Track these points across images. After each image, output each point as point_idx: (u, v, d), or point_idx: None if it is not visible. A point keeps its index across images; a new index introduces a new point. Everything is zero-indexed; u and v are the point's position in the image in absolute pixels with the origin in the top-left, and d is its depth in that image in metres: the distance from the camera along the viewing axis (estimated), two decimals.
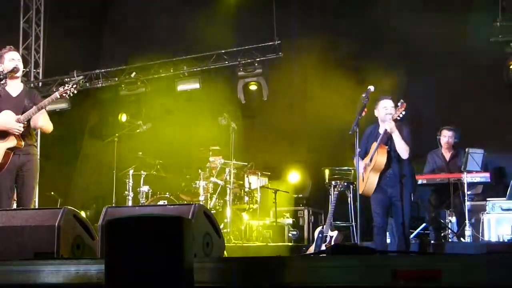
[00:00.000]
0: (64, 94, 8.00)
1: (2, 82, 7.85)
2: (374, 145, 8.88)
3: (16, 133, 7.83)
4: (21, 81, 8.41)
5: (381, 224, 8.91)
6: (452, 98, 11.94)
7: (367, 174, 8.89)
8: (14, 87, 8.14)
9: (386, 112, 8.88)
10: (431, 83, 12.10)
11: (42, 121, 8.04)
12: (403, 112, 8.65)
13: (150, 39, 15.17)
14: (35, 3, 16.41)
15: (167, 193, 12.38)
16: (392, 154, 8.80)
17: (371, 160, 8.88)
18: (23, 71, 8.39)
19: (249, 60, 14.26)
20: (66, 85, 8.05)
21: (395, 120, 8.72)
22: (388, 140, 8.80)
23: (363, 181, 8.98)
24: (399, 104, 8.70)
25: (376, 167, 8.80)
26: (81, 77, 8.30)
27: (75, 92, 8.06)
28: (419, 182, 10.61)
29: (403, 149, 8.73)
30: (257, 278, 4.76)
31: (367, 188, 8.89)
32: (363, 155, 9.10)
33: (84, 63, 15.83)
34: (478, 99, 11.94)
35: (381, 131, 8.90)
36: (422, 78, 12.12)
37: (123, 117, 15.16)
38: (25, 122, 7.90)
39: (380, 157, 8.77)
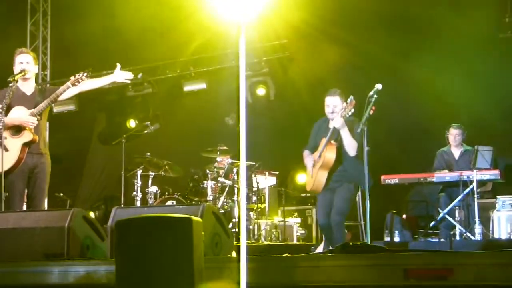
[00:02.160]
0: (76, 83, 8.04)
1: (10, 84, 7.87)
2: (323, 140, 8.84)
3: (30, 126, 7.87)
4: (35, 82, 8.46)
5: (325, 225, 8.89)
6: (461, 94, 11.89)
7: (316, 171, 8.86)
8: (28, 87, 8.21)
9: (328, 111, 8.86)
10: (439, 80, 12.05)
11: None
12: (352, 110, 8.54)
13: (155, 39, 15.16)
14: (42, 5, 16.43)
15: (176, 194, 12.37)
16: (342, 151, 8.72)
17: (320, 156, 8.86)
18: (41, 74, 8.45)
19: (255, 60, 14.25)
20: (77, 74, 8.08)
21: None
22: (337, 136, 8.73)
23: (312, 178, 8.96)
24: (348, 101, 8.60)
25: (325, 164, 8.70)
26: (90, 68, 8.28)
27: (87, 80, 8.11)
28: (428, 180, 10.59)
29: (350, 146, 8.60)
30: (266, 278, 4.75)
31: (316, 185, 8.81)
32: (311, 150, 9.07)
33: (90, 64, 15.81)
34: (488, 96, 11.89)
35: (330, 126, 8.84)
36: (431, 74, 12.07)
37: (132, 123, 15.17)
38: (38, 116, 7.94)
39: (329, 154, 8.70)
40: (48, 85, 8.61)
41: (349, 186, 8.76)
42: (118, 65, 8.47)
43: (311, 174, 8.97)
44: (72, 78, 8.09)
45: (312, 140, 9.14)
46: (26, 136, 7.89)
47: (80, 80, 8.05)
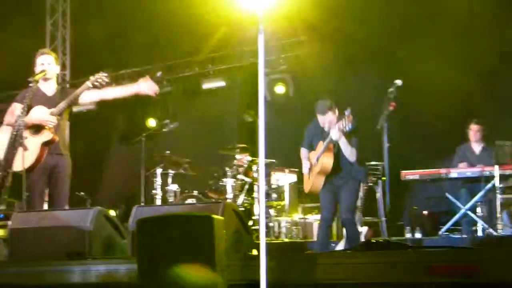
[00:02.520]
0: (96, 83, 8.04)
1: (31, 84, 7.90)
2: (320, 144, 8.85)
3: (50, 126, 7.89)
4: (56, 82, 8.48)
5: (327, 218, 8.89)
6: (481, 90, 11.83)
7: (314, 174, 8.87)
8: (49, 88, 8.23)
9: (325, 128, 8.86)
10: (460, 75, 12.00)
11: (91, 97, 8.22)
12: (350, 125, 8.51)
13: (174, 38, 15.18)
14: (61, 5, 16.51)
15: (195, 192, 12.38)
16: (340, 156, 8.72)
17: (317, 160, 8.86)
18: (60, 73, 8.45)
19: (274, 57, 14.24)
20: (97, 74, 8.08)
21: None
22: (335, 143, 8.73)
23: (309, 179, 8.98)
24: (346, 114, 8.56)
25: (322, 169, 8.72)
26: (110, 68, 8.27)
27: (107, 80, 8.10)
28: (449, 176, 10.53)
29: (350, 155, 8.63)
30: (287, 275, 4.74)
31: (314, 188, 8.87)
32: (307, 146, 9.14)
33: (109, 63, 15.87)
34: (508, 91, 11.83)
35: (326, 129, 8.84)
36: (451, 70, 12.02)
37: (151, 122, 15.19)
38: (59, 116, 7.96)
39: (327, 160, 8.70)
40: (68, 85, 8.57)
41: (354, 183, 8.76)
42: (147, 77, 8.33)
43: (308, 177, 9.00)
44: (91, 78, 8.09)
45: (307, 137, 9.17)
46: (46, 136, 7.89)
47: (99, 80, 8.05)
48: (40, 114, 7.94)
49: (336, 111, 8.81)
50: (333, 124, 8.67)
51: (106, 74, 8.11)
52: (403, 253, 4.73)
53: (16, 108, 7.94)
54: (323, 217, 8.95)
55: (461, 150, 11.28)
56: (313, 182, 8.83)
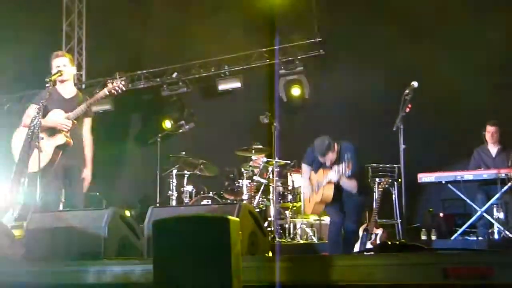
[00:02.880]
0: (113, 91, 8.04)
1: (47, 85, 7.91)
2: (320, 172, 9.06)
3: (65, 130, 7.91)
4: (74, 85, 8.51)
5: (336, 221, 8.93)
6: (496, 91, 11.77)
7: (314, 199, 8.98)
8: (67, 90, 8.26)
9: (327, 164, 9.02)
10: (476, 78, 11.95)
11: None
12: (349, 172, 8.65)
13: (190, 39, 15.20)
14: (77, 6, 16.57)
15: (211, 193, 12.40)
16: (341, 187, 8.92)
17: (318, 189, 9.04)
18: (76, 74, 8.46)
19: (290, 58, 14.25)
20: (115, 81, 8.08)
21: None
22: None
23: (309, 202, 9.07)
24: (345, 159, 8.70)
25: (323, 199, 8.98)
26: (124, 78, 8.26)
27: (124, 89, 8.10)
28: (465, 178, 10.49)
29: (351, 188, 8.88)
30: (302, 277, 4.73)
31: (314, 211, 9.27)
32: (308, 163, 9.40)
33: (126, 64, 15.93)
34: None
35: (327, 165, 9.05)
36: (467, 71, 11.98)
37: (167, 124, 15.21)
38: (74, 120, 7.98)
39: (327, 191, 8.92)
40: (83, 86, 8.56)
41: (359, 197, 8.85)
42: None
43: (309, 200, 9.11)
44: (109, 85, 8.09)
45: (309, 158, 9.31)
46: (60, 139, 7.93)
47: (116, 88, 8.05)
48: (56, 117, 7.98)
49: (335, 147, 8.93)
50: (332, 163, 8.84)
51: (123, 82, 8.11)
52: (418, 255, 4.71)
53: (32, 109, 7.98)
54: (332, 221, 9.03)
55: (478, 152, 11.24)
56: (314, 207, 9.01)
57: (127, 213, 14.00)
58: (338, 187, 8.90)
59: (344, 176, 8.72)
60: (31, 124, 7.68)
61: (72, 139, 8.00)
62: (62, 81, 8.25)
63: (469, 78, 11.79)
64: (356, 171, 8.73)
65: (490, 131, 11.12)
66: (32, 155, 7.62)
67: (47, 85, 7.92)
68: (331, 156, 8.95)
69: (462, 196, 10.53)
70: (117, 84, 8.05)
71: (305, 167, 9.45)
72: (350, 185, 8.81)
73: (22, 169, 7.72)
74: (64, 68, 8.19)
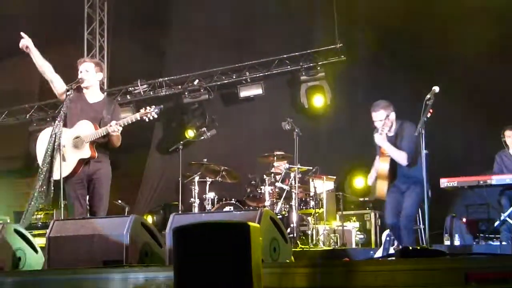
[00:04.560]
0: (144, 117, 8.03)
1: (68, 93, 7.94)
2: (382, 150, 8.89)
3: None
4: (101, 90, 8.53)
5: (391, 224, 8.84)
6: None
7: (375, 180, 8.87)
8: (92, 95, 8.28)
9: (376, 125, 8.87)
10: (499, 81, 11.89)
11: (115, 142, 8.11)
12: (386, 128, 8.54)
13: (212, 46, 15.25)
14: (99, 14, 16.67)
15: (233, 199, 12.41)
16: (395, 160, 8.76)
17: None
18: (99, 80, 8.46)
19: (311, 64, 14.28)
20: (148, 107, 8.07)
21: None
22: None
23: (374, 186, 8.98)
24: (389, 116, 8.61)
25: (380, 174, 8.78)
26: (161, 106, 8.23)
27: (156, 116, 8.09)
28: (488, 183, 10.42)
29: (398, 158, 8.66)
30: (325, 283, 4.72)
31: (379, 193, 8.86)
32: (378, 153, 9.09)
33: (147, 72, 16.01)
34: None
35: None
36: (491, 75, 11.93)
37: (190, 133, 15.24)
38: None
39: (382, 165, 8.75)
40: (116, 106, 8.50)
41: (416, 189, 8.67)
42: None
43: (374, 183, 9.00)
44: (142, 110, 8.08)
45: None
46: (85, 153, 7.93)
47: (148, 115, 8.03)
48: (88, 128, 7.98)
49: (391, 113, 8.80)
50: (380, 123, 8.72)
51: (157, 110, 8.09)
52: (440, 260, 4.69)
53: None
54: (387, 221, 8.94)
55: (500, 156, 11.16)
56: (377, 187, 8.83)
57: (149, 218, 14.08)
58: (392, 161, 8.75)
59: (392, 139, 8.68)
60: (53, 132, 7.72)
61: (96, 149, 8.01)
62: (86, 87, 8.27)
63: (493, 81, 11.76)
64: (412, 152, 8.62)
65: (510, 135, 11.04)
66: (55, 162, 7.67)
67: (68, 93, 7.96)
68: (380, 116, 8.79)
69: (485, 201, 10.47)
70: (150, 111, 8.03)
71: (377, 157, 9.31)
72: (396, 154, 8.63)
73: (44, 175, 7.77)
74: (86, 74, 8.19)
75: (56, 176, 7.70)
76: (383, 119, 8.74)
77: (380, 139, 8.65)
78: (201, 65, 15.46)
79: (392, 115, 8.71)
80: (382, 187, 8.79)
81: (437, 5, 12.64)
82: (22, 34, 8.10)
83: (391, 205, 8.84)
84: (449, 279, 4.24)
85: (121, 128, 7.96)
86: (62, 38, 15.86)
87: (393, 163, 8.72)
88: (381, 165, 8.76)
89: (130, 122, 8.00)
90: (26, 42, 8.10)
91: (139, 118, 8.02)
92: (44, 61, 8.21)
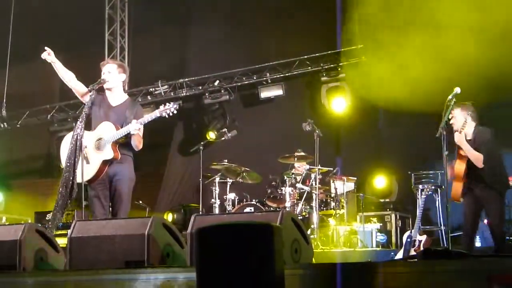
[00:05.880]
0: (164, 113, 8.04)
1: (90, 93, 7.99)
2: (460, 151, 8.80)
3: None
4: (125, 92, 8.56)
5: (467, 227, 8.78)
6: None
7: (451, 181, 8.81)
8: (115, 97, 8.28)
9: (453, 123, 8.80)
10: None
11: (137, 144, 8.10)
12: (465, 122, 8.52)
13: (231, 47, 15.26)
14: (119, 15, 16.73)
15: (253, 200, 12.40)
16: (471, 162, 8.68)
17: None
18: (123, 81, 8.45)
19: (332, 65, 14.26)
20: (167, 104, 8.08)
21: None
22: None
23: (453, 187, 8.89)
24: (467, 114, 8.59)
25: (456, 175, 8.74)
26: (179, 102, 8.26)
27: (175, 112, 8.09)
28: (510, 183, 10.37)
29: (474, 160, 8.61)
30: (346, 284, 4.71)
31: (454, 194, 8.79)
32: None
33: (168, 72, 16.04)
34: None
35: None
36: None
37: (211, 135, 15.23)
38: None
39: (459, 166, 8.69)
40: (139, 107, 8.48)
41: (494, 193, 8.64)
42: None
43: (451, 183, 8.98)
44: (161, 107, 8.09)
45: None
46: (108, 154, 7.95)
47: (167, 111, 8.05)
48: (109, 130, 8.00)
49: (468, 112, 8.77)
50: (458, 123, 8.70)
51: (176, 106, 8.10)
52: (462, 261, 4.67)
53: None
54: (464, 231, 8.90)
55: None
56: (453, 188, 8.80)
57: (170, 216, 14.10)
58: (469, 163, 8.73)
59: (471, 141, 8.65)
60: (74, 133, 7.76)
61: (119, 150, 8.03)
62: (108, 89, 8.28)
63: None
64: (489, 156, 8.61)
65: None
66: (78, 164, 7.70)
67: (90, 94, 8.00)
68: (457, 116, 8.75)
69: (508, 202, 10.42)
70: (169, 107, 8.03)
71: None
72: (473, 156, 8.60)
73: (67, 178, 7.81)
74: (108, 75, 8.21)
75: (79, 178, 7.74)
76: (459, 118, 8.74)
77: (460, 138, 8.62)
78: (222, 66, 15.47)
79: (466, 111, 8.68)
80: (457, 189, 8.76)
81: None
82: (46, 48, 8.15)
83: (465, 212, 8.84)
84: (472, 280, 4.23)
85: (141, 127, 7.97)
86: (83, 39, 15.95)
87: (468, 165, 8.68)
88: (457, 167, 8.74)
89: (150, 119, 8.00)
90: (47, 56, 8.15)
91: (158, 115, 8.03)
92: (66, 71, 8.28)
